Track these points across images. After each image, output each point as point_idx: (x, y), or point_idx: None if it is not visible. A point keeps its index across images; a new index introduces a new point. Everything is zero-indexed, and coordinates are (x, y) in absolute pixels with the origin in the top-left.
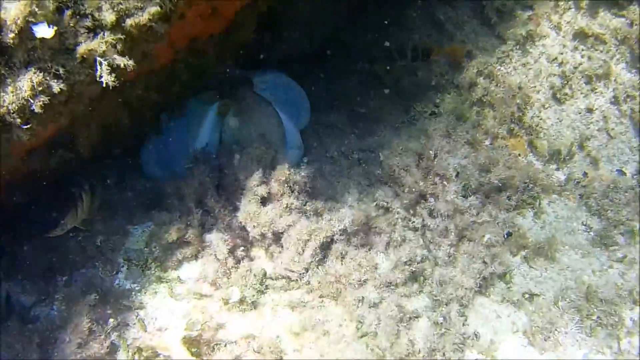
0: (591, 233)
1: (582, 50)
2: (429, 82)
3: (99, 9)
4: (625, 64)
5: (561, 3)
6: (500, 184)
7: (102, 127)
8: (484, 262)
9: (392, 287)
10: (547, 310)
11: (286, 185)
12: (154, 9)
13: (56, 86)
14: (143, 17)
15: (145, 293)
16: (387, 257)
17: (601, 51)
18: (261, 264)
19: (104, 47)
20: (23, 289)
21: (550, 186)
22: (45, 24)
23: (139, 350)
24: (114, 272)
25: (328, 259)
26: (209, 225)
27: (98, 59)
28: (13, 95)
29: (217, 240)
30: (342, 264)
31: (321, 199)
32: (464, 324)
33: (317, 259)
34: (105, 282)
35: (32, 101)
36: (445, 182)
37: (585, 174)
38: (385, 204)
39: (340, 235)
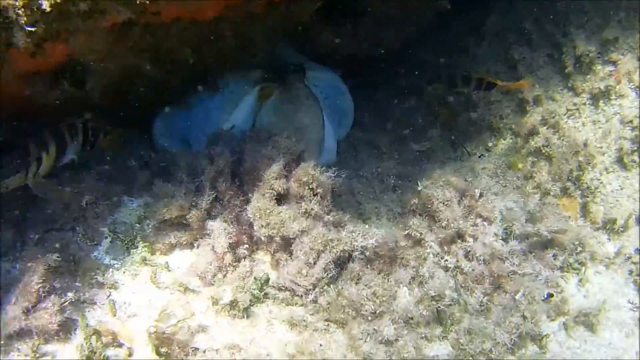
0: (637, 312)
1: None
2: (486, 122)
3: None
4: None
5: None
6: (548, 238)
7: (119, 72)
8: (523, 317)
9: (412, 324)
10: None
11: (308, 187)
12: None
13: None
14: None
15: (124, 273)
16: (410, 292)
17: None
18: (264, 269)
19: None
20: None
21: (599, 255)
22: None
23: (97, 333)
24: (94, 242)
25: (342, 278)
26: (215, 213)
27: None
28: None
29: (219, 230)
30: (356, 287)
31: (346, 213)
32: None
33: (329, 275)
34: (82, 251)
35: None
36: (486, 224)
37: (638, 251)
38: (419, 234)
39: (360, 253)
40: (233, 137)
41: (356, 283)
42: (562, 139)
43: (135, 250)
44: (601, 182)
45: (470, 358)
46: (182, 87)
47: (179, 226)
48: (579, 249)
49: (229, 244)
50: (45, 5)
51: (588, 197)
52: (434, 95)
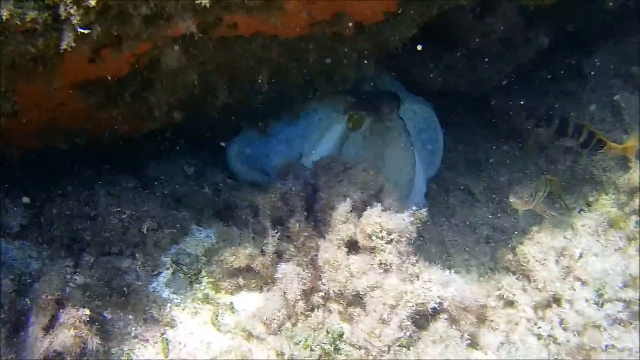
0: None
1: None
2: (588, 175)
3: None
4: None
5: None
6: None
7: (188, 88)
8: None
9: None
10: None
11: (377, 237)
12: None
13: None
14: None
15: (183, 310)
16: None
17: None
18: (339, 321)
19: None
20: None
21: None
22: None
23: None
24: (154, 272)
25: (422, 340)
26: (288, 256)
27: None
28: None
29: (291, 274)
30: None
31: (431, 265)
32: None
33: (407, 334)
34: (139, 281)
35: None
36: (582, 287)
37: None
38: (512, 296)
39: (439, 305)
40: (304, 168)
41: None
42: None
43: (198, 285)
44: None
45: None
46: (258, 111)
47: (249, 269)
48: None
49: (303, 290)
50: (92, 2)
51: None
52: (538, 141)
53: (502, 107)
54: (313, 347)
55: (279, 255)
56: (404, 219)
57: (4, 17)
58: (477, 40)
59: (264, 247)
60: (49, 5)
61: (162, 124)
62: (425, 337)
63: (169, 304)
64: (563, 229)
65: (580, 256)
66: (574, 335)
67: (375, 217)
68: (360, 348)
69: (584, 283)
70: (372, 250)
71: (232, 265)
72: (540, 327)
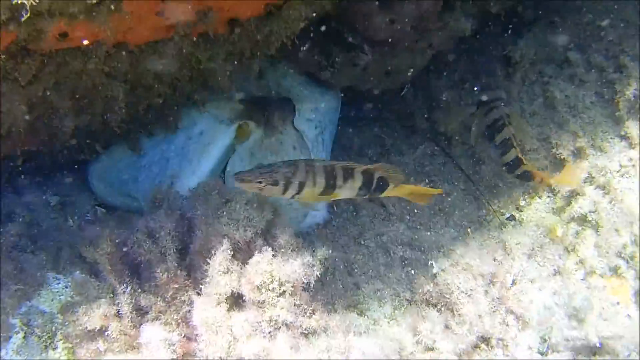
0: None
1: None
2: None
3: None
4: None
5: None
6: (598, 344)
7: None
8: None
9: None
10: None
11: (266, 289)
12: None
13: None
14: None
15: None
16: None
17: None
18: None
19: None
20: None
21: None
22: None
23: None
24: (2, 337)
25: None
26: (155, 313)
27: None
28: None
29: (157, 341)
30: None
31: (333, 312)
32: None
33: None
34: None
35: None
36: (520, 326)
37: None
38: (431, 342)
39: None
40: (180, 197)
41: None
42: (614, 205)
43: (54, 352)
44: None
45: None
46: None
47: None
48: (634, 354)
49: None
50: None
51: None
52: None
53: (419, 104)
54: None
55: (144, 312)
56: (301, 264)
57: None
58: (383, 30)
59: (119, 308)
60: None
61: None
62: None
63: None
64: (492, 248)
65: (513, 283)
66: None
67: (265, 265)
68: None
69: (518, 318)
70: (260, 304)
71: (86, 327)
72: None
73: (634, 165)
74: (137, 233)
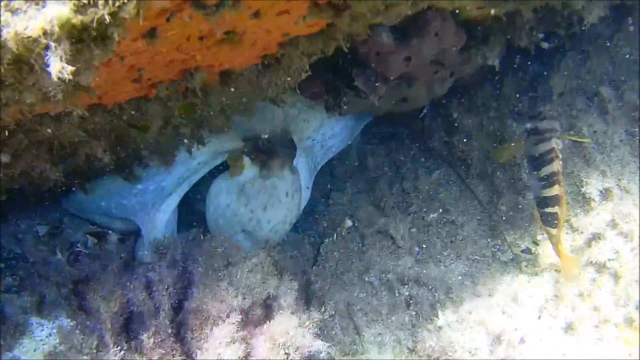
0: None
1: None
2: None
3: None
4: None
5: None
6: None
7: None
8: None
9: None
10: None
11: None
12: None
13: None
14: None
15: None
16: None
17: None
18: None
19: None
20: None
21: None
22: None
23: None
24: None
25: None
26: None
27: None
28: None
29: None
30: None
31: None
32: None
33: None
34: None
35: None
36: None
37: None
38: None
39: None
40: (179, 245)
41: None
42: (635, 253)
43: None
44: None
45: None
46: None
47: None
48: None
49: None
50: None
51: None
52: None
53: (436, 122)
54: None
55: None
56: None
57: None
58: (399, 69)
59: None
60: None
61: None
62: None
63: None
64: (503, 299)
65: (522, 341)
66: None
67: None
68: None
69: None
70: None
71: None
72: None
73: None
74: (135, 281)
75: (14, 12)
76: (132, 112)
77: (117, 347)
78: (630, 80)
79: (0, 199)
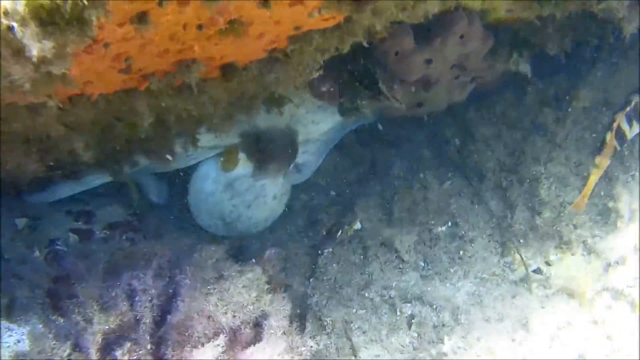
0: None
1: None
2: (552, 230)
3: None
4: None
5: None
6: None
7: None
8: None
9: None
10: None
11: None
12: None
13: None
14: None
15: None
16: None
17: None
18: None
19: None
20: None
21: None
22: None
23: None
24: None
25: None
26: None
27: None
28: None
29: None
30: None
31: None
32: None
33: None
34: None
35: None
36: None
37: None
38: None
39: None
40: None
41: None
42: None
43: None
44: None
45: None
46: None
47: None
48: None
49: None
50: None
51: None
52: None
53: (452, 129)
54: None
55: None
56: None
57: None
58: (418, 71)
59: None
60: None
61: None
62: None
63: None
64: (512, 325)
65: None
66: None
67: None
68: None
69: None
70: None
71: None
72: None
73: None
74: (118, 289)
75: None
76: (120, 106)
77: None
78: None
79: None
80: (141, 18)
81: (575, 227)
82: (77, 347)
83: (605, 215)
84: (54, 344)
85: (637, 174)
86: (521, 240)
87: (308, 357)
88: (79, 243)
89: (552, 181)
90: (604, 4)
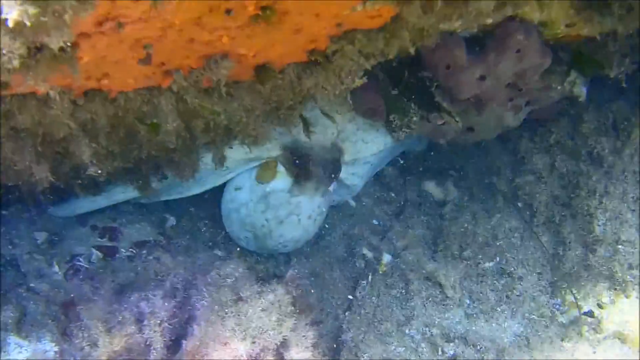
0: None
1: None
2: (605, 270)
3: None
4: None
5: None
6: None
7: None
8: None
9: None
10: None
11: None
12: None
13: None
14: None
15: None
16: None
17: None
18: None
19: None
20: None
21: None
22: None
23: None
24: None
25: None
26: None
27: None
28: None
29: None
30: None
31: None
32: None
33: None
34: None
35: None
36: None
37: None
38: None
39: None
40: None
41: None
42: None
43: None
44: None
45: None
46: None
47: None
48: None
49: None
50: None
51: None
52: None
53: (503, 158)
54: None
55: None
56: None
57: None
58: (470, 88)
59: None
60: None
61: None
62: None
63: None
64: None
65: None
66: None
67: None
68: None
69: None
70: None
71: None
72: None
73: None
74: (125, 312)
75: None
76: (141, 105)
77: None
78: None
79: None
80: None
81: (630, 266)
82: None
83: None
84: None
85: None
86: (573, 280)
87: None
88: (102, 260)
89: (607, 217)
90: None
